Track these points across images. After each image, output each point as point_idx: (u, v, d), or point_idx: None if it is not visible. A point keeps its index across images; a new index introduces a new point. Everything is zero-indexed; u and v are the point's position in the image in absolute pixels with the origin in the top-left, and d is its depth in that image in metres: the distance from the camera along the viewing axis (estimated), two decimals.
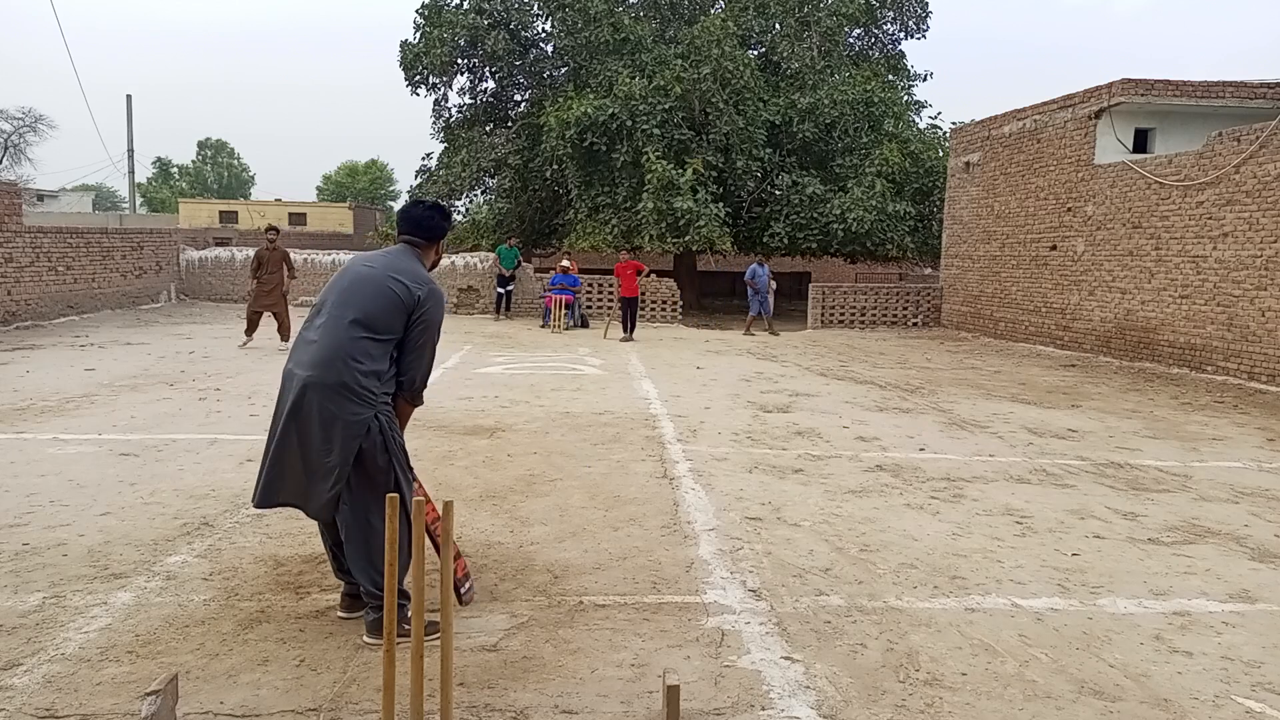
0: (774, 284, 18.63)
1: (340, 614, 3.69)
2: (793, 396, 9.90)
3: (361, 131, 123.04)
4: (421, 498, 2.82)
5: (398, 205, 66.89)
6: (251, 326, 12.97)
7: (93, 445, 6.66)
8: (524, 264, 21.63)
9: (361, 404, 3.39)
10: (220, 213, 48.23)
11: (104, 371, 10.47)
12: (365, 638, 3.47)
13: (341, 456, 3.37)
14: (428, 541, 3.39)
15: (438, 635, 3.42)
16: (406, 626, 3.27)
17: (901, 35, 28.30)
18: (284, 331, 13.00)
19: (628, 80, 21.79)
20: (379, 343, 3.44)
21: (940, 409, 9.27)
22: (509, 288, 20.12)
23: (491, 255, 21.47)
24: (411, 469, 3.62)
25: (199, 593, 3.91)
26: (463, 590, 3.73)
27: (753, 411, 8.87)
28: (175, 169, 79.75)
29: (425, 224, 3.70)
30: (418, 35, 25.84)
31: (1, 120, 44.99)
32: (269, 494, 3.53)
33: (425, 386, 3.63)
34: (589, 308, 20.08)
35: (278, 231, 13.33)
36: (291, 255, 13.63)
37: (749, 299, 18.70)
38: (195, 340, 13.95)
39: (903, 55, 28.66)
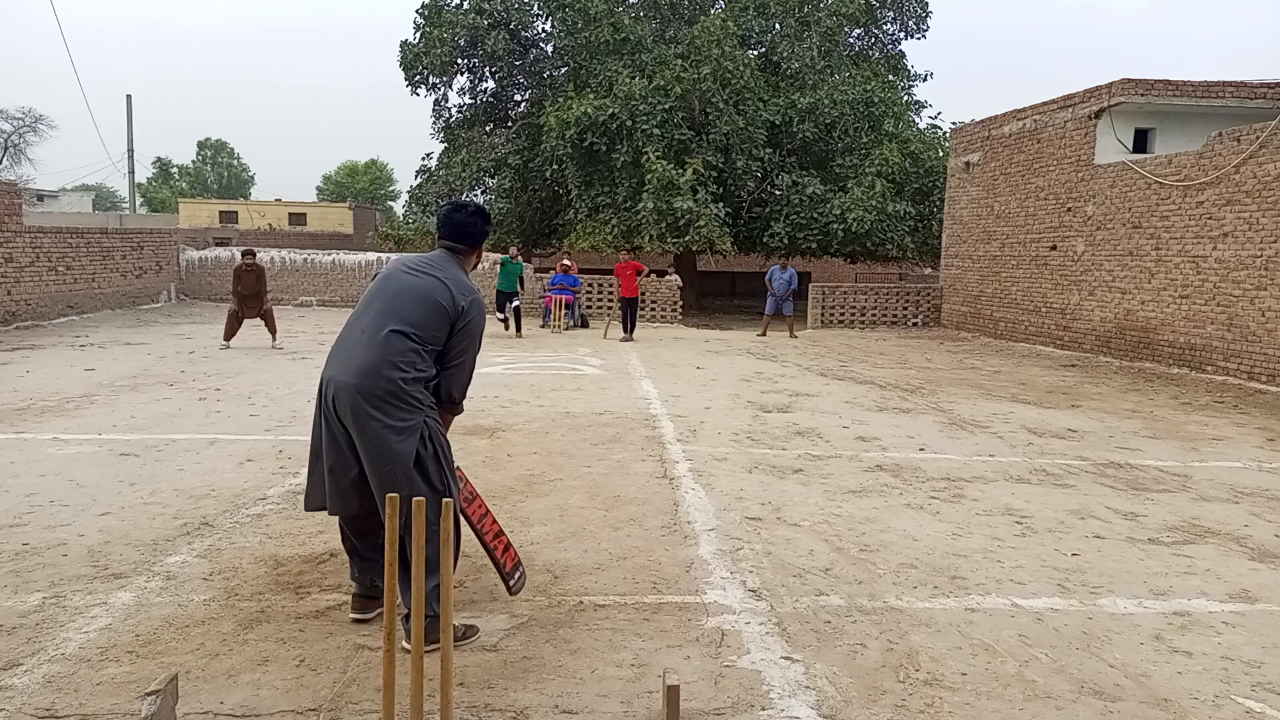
0: (788, 285, 18.10)
1: (354, 615, 3.62)
2: (793, 396, 9.90)
3: (361, 131, 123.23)
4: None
5: (398, 205, 66.94)
6: (230, 332, 13.19)
7: (93, 445, 6.66)
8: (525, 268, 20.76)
9: (409, 410, 3.37)
10: (220, 213, 48.25)
11: (104, 371, 10.47)
12: (406, 643, 3.33)
13: (404, 454, 3.34)
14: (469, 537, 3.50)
15: (476, 636, 3.42)
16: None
17: (901, 35, 28.35)
18: (274, 333, 13.42)
19: (628, 80, 21.80)
20: (424, 352, 3.42)
21: (940, 409, 9.27)
22: (516, 303, 17.18)
23: (493, 256, 21.38)
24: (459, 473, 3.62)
25: (199, 593, 3.91)
26: (511, 581, 3.69)
27: (753, 411, 8.87)
28: (175, 169, 79.78)
29: (467, 229, 3.66)
30: (418, 35, 25.87)
31: (1, 120, 45.00)
32: (339, 504, 3.49)
33: (464, 397, 3.58)
34: (589, 308, 20.08)
35: (254, 254, 14.06)
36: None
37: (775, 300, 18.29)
38: (195, 340, 13.95)
39: (903, 55, 28.71)
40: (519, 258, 17.86)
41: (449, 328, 3.44)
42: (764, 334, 17.86)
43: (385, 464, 3.33)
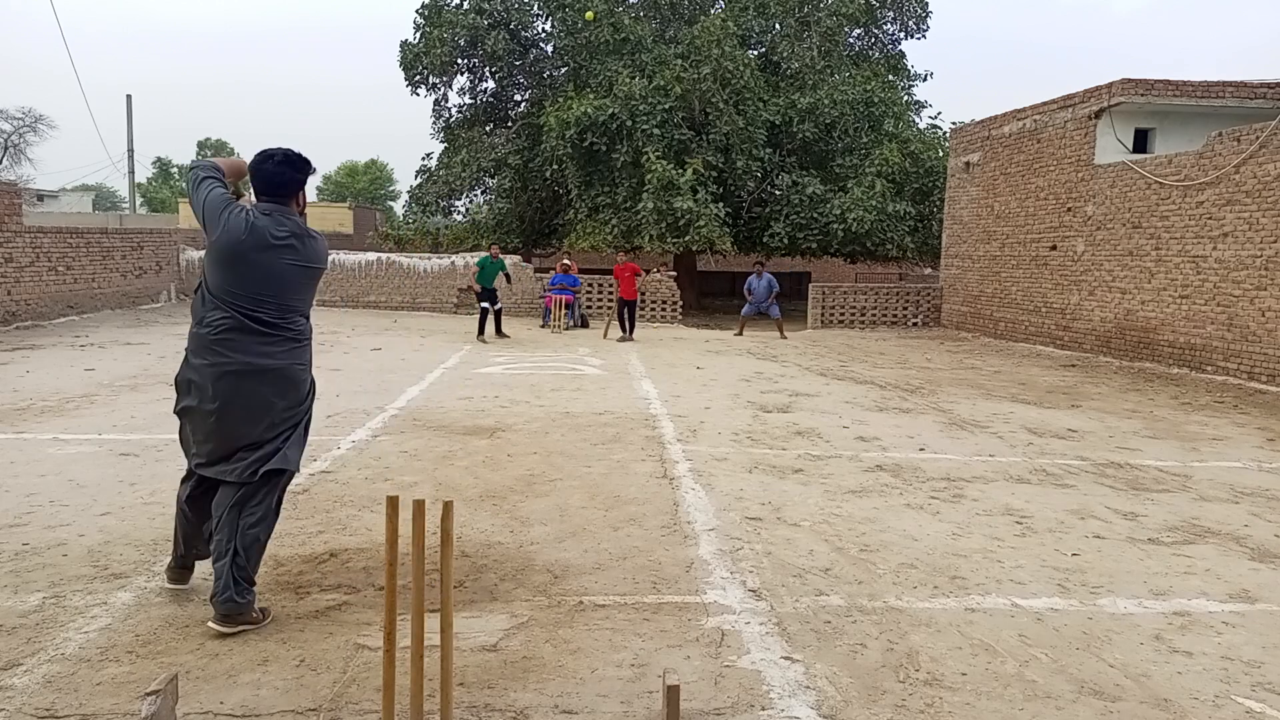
0: (767, 289, 18.04)
1: (170, 585, 3.87)
2: (793, 396, 9.90)
3: (361, 131, 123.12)
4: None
5: (398, 205, 66.90)
6: None
7: (93, 445, 6.66)
8: (512, 271, 18.93)
9: (305, 379, 3.72)
10: None
11: (104, 371, 10.47)
12: (215, 623, 3.47)
13: (286, 426, 3.65)
14: None
15: (270, 620, 3.60)
16: (256, 615, 3.54)
17: (901, 35, 28.34)
18: None
19: (628, 80, 21.80)
20: (307, 318, 3.76)
21: (940, 409, 9.27)
22: (498, 305, 15.88)
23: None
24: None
25: (199, 593, 3.90)
26: None
27: (753, 411, 8.87)
28: (175, 169, 79.73)
29: (278, 180, 3.65)
30: (418, 35, 25.87)
31: (1, 120, 45.01)
32: (205, 465, 3.67)
33: None
34: (589, 308, 20.08)
35: None
36: None
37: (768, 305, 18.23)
38: None
39: (903, 55, 28.70)
40: (499, 255, 16.58)
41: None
42: (740, 333, 17.81)
43: (271, 429, 3.60)
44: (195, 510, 3.72)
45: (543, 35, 26.77)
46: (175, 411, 3.69)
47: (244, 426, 3.55)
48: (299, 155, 3.72)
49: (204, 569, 3.84)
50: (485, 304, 15.73)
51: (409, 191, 30.21)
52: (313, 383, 3.80)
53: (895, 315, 20.19)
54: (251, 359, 3.53)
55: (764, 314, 17.95)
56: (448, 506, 2.65)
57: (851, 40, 27.57)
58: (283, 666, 3.25)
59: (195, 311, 3.62)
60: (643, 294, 19.49)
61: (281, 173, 3.66)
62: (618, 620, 3.72)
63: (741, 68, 21.99)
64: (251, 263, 3.52)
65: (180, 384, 3.64)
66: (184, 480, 3.78)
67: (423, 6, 26.03)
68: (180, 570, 3.91)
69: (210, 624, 3.48)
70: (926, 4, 27.52)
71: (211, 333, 3.53)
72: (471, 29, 24.70)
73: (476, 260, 16.62)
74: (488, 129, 27.62)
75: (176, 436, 3.81)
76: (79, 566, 4.18)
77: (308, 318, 3.76)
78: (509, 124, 27.64)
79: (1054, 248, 15.88)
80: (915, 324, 20.12)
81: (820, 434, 7.80)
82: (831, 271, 32.96)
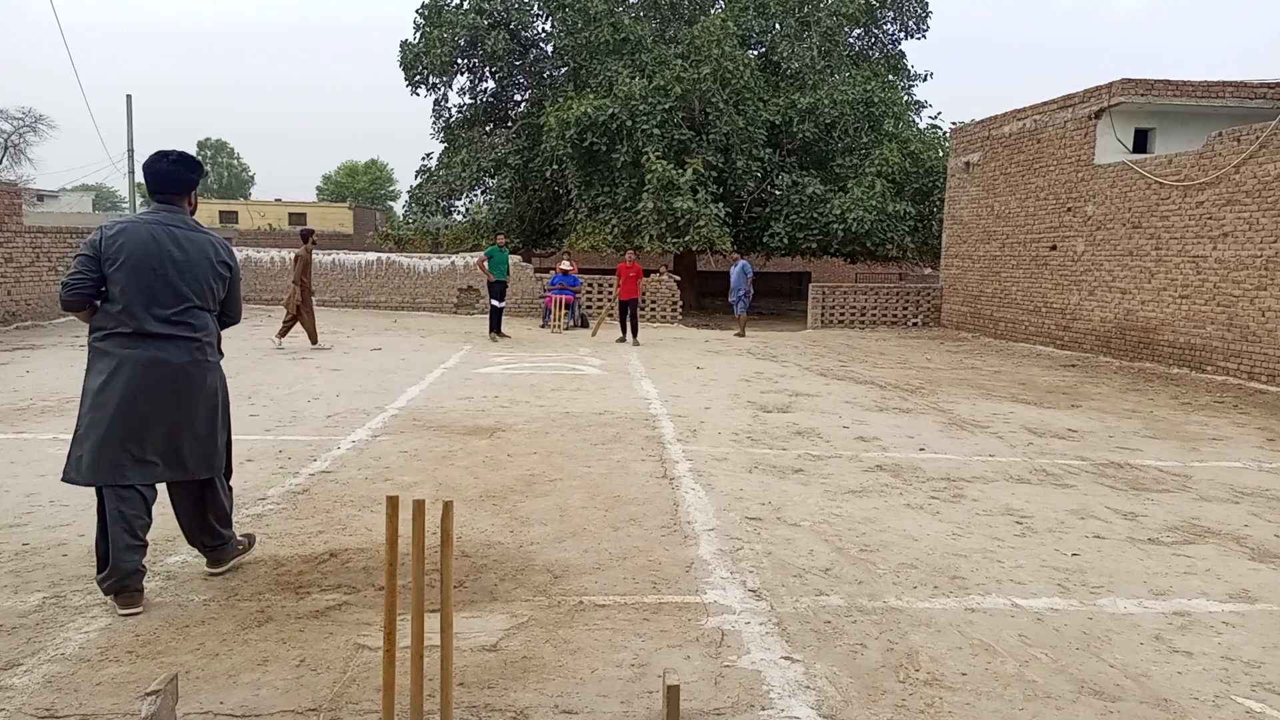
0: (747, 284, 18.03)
1: (127, 610, 3.62)
2: (793, 396, 9.90)
3: (361, 131, 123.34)
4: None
5: (398, 205, 66.90)
6: (289, 330, 13.12)
7: None
8: (511, 269, 18.28)
9: (214, 368, 3.98)
10: (220, 213, 48.30)
11: None
12: (214, 568, 4.02)
13: (222, 417, 4.03)
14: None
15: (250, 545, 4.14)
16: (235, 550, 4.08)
17: (901, 35, 28.35)
18: (284, 333, 13.20)
19: (628, 80, 21.80)
20: (213, 314, 3.98)
21: (940, 409, 9.27)
22: (502, 304, 15.88)
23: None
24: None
25: (199, 593, 3.91)
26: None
27: (753, 411, 8.87)
28: None
29: (175, 178, 3.88)
30: (418, 35, 25.87)
31: (1, 120, 45.00)
32: (137, 472, 3.83)
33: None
34: (589, 308, 20.08)
35: (314, 233, 13.59)
36: (290, 257, 13.63)
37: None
38: None
39: (903, 55, 28.70)
40: (506, 245, 16.55)
41: (226, 284, 4.00)
42: (741, 333, 17.77)
43: (210, 421, 3.93)
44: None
45: (543, 35, 26.78)
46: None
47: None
48: (192, 156, 3.95)
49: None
50: (495, 300, 15.76)
51: (409, 191, 30.21)
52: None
53: (895, 315, 20.19)
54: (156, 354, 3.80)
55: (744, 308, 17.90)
56: (448, 506, 2.65)
57: (851, 40, 27.57)
58: (283, 666, 3.25)
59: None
60: (644, 294, 19.48)
61: (175, 171, 3.85)
62: (618, 620, 3.72)
63: (741, 68, 21.99)
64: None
65: None
66: None
67: (423, 6, 26.03)
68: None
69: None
70: (926, 4, 27.53)
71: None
72: (471, 29, 24.70)
73: (485, 250, 16.52)
74: (488, 129, 27.62)
75: None
76: (79, 566, 4.18)
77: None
78: (509, 124, 27.65)
79: (1054, 248, 15.89)
80: (915, 324, 20.13)
81: (820, 434, 7.80)
82: (831, 271, 32.97)
